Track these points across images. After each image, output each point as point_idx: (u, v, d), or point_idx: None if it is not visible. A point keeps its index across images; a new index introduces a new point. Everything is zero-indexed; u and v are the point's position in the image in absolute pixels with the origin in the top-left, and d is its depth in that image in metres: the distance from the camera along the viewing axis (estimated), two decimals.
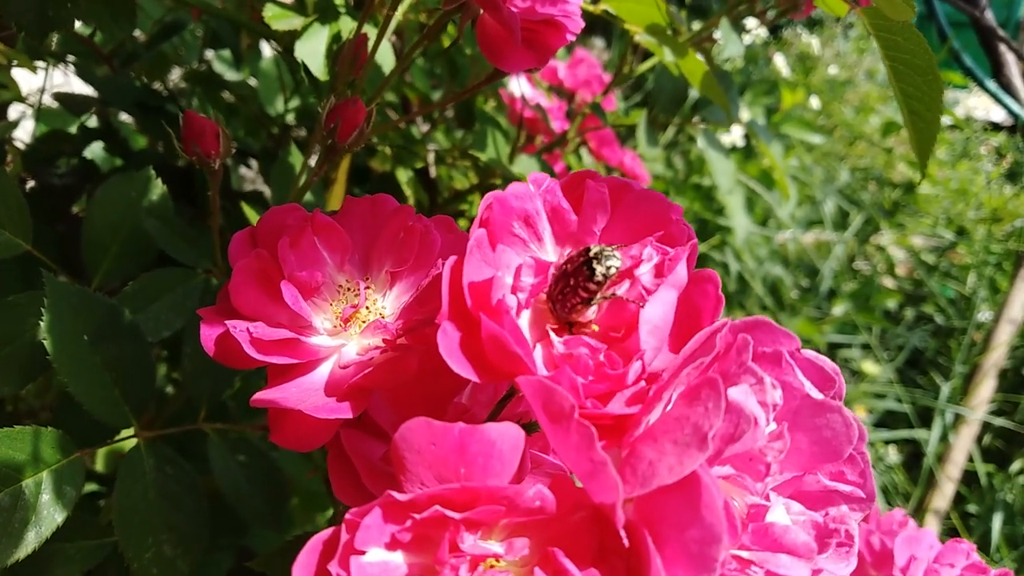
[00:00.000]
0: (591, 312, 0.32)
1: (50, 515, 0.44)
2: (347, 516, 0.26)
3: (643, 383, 0.30)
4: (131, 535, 0.47)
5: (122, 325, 0.49)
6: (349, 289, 0.38)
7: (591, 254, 0.31)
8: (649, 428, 0.27)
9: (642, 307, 0.30)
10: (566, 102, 1.16)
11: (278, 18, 0.64)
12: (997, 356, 1.66)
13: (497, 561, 0.27)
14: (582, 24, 0.48)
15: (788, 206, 2.20)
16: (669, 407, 0.27)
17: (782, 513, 0.29)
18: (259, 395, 0.33)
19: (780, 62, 2.39)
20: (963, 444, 1.80)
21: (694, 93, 1.00)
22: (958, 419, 1.88)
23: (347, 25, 0.64)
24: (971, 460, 1.80)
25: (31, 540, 0.42)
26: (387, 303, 0.38)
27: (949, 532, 1.75)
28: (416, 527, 0.26)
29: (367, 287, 0.37)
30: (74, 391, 0.46)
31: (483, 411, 0.38)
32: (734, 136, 2.27)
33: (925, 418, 2.02)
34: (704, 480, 0.24)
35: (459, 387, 0.36)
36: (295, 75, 0.90)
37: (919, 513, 1.68)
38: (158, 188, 0.57)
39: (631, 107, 1.60)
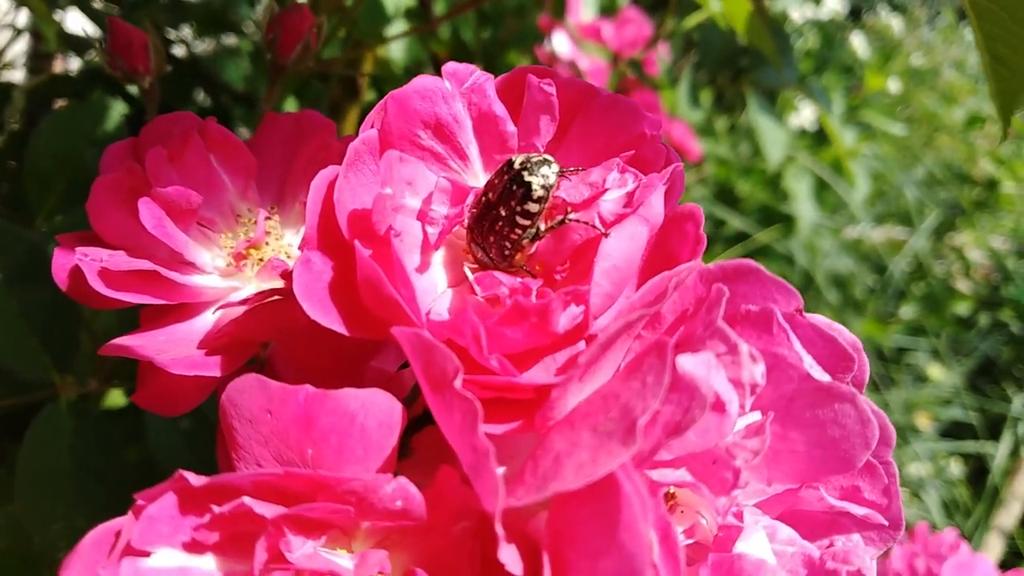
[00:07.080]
0: (532, 249, 0.24)
1: None
2: (137, 500, 0.19)
3: (583, 345, 0.22)
4: (37, 502, 0.41)
5: (45, 265, 0.43)
6: (251, 220, 0.30)
7: (516, 166, 0.23)
8: (572, 410, 0.19)
9: (605, 236, 0.22)
10: (611, 64, 1.07)
11: None
12: None
13: None
14: None
15: (859, 195, 2.07)
16: (602, 380, 0.19)
17: (761, 542, 0.20)
18: (114, 340, 0.26)
19: (859, 42, 2.24)
20: None
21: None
22: None
23: None
24: None
25: None
26: (298, 240, 0.31)
27: (1014, 555, 1.63)
28: (222, 523, 0.18)
29: (268, 218, 0.30)
30: None
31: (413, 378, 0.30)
32: (803, 119, 2.15)
33: (994, 431, 1.90)
34: (625, 490, 0.16)
35: (377, 345, 0.29)
36: None
37: (981, 531, 1.59)
38: (114, 119, 0.51)
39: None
